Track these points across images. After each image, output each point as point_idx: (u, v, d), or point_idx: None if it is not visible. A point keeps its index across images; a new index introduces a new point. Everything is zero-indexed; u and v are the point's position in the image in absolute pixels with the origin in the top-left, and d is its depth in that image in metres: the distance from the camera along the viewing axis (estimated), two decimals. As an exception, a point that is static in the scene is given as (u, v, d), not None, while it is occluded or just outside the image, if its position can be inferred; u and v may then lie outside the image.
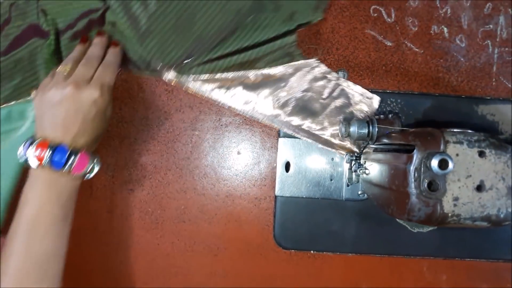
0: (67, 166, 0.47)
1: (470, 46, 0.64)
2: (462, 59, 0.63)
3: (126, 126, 0.61)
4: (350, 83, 0.60)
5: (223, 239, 0.61)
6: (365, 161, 0.55)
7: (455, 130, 0.43)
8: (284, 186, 0.61)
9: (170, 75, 0.59)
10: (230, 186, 0.62)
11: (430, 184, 0.41)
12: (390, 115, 0.52)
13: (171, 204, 0.61)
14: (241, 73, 0.59)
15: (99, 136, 0.52)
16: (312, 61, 0.60)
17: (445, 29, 0.63)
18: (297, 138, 0.61)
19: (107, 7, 0.58)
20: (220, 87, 0.59)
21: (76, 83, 0.49)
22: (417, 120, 0.62)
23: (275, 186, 0.61)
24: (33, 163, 0.46)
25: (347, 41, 0.63)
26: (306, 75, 0.60)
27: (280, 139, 0.61)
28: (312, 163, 0.61)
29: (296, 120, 0.60)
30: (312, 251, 0.61)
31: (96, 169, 0.50)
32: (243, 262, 0.61)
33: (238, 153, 0.62)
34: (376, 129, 0.51)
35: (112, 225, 0.60)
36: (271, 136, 0.62)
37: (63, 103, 0.48)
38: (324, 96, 0.60)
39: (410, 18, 0.63)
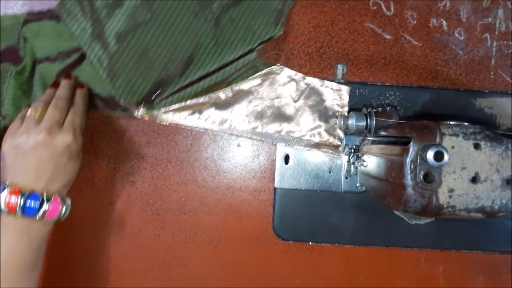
0: (40, 213, 0.46)
1: (468, 39, 0.64)
2: (460, 52, 0.64)
3: (127, 118, 0.61)
4: (317, 80, 0.61)
5: (223, 231, 0.62)
6: (362, 154, 0.56)
7: (451, 122, 0.43)
8: (283, 178, 0.62)
9: (141, 112, 0.58)
10: (230, 178, 0.62)
11: (426, 176, 0.42)
12: (387, 108, 0.53)
13: (172, 196, 0.61)
14: (210, 95, 0.60)
15: (72, 179, 0.52)
16: (276, 68, 0.61)
17: (444, 22, 0.64)
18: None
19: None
20: (192, 113, 0.60)
21: (48, 129, 0.48)
22: (416, 112, 0.62)
23: (275, 178, 0.62)
24: (4, 210, 0.45)
25: (347, 34, 0.63)
26: (273, 83, 0.61)
27: (280, 132, 0.62)
28: (311, 155, 0.62)
29: (274, 128, 0.60)
30: (310, 243, 0.62)
31: (67, 211, 0.50)
32: (243, 253, 0.62)
33: (238, 145, 0.62)
34: (374, 122, 0.51)
35: (113, 216, 0.61)
36: (271, 128, 0.63)
37: (36, 150, 0.47)
38: (295, 99, 0.61)
39: (409, 11, 0.63)
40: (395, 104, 0.62)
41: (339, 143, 0.60)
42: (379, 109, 0.53)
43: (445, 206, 0.42)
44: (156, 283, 0.61)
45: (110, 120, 0.61)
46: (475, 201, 0.42)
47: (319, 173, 0.62)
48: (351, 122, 0.53)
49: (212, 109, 0.60)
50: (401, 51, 0.63)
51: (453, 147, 0.42)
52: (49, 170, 0.48)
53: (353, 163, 0.57)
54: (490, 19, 0.64)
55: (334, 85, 0.61)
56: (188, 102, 0.59)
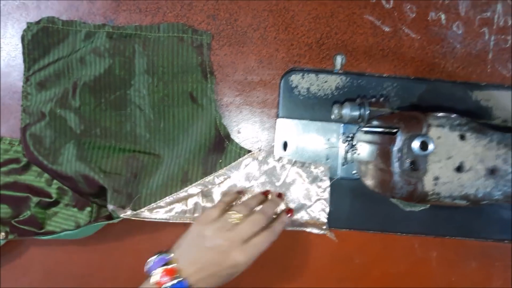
0: None
1: (466, 33, 0.65)
2: (458, 46, 0.65)
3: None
4: (298, 164, 0.63)
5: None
6: (356, 142, 0.58)
7: (438, 114, 0.45)
8: (282, 165, 0.64)
9: (128, 214, 0.59)
10: (231, 164, 0.65)
11: (412, 164, 0.44)
12: (381, 99, 0.54)
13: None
14: (198, 186, 0.62)
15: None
16: (257, 153, 0.63)
17: (443, 16, 0.65)
18: (295, 119, 0.64)
19: None
20: (179, 207, 0.61)
21: (232, 242, 0.50)
22: (413, 104, 0.64)
23: (274, 164, 0.64)
24: (154, 279, 0.47)
25: (346, 26, 0.65)
26: (259, 166, 0.63)
27: (279, 120, 0.64)
28: (309, 143, 0.64)
29: None
30: (307, 227, 0.64)
31: None
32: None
33: (238, 132, 0.65)
34: (367, 112, 0.53)
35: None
36: (270, 116, 0.65)
37: (211, 252, 0.49)
38: (278, 182, 0.63)
39: (408, 5, 0.65)
40: (393, 95, 0.64)
41: (325, 220, 0.62)
42: (373, 99, 0.55)
43: (430, 193, 0.44)
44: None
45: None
46: (460, 189, 0.44)
47: (316, 160, 0.64)
48: (345, 111, 0.55)
49: (198, 198, 0.62)
50: (399, 43, 0.65)
51: (439, 137, 0.44)
52: (208, 271, 0.49)
53: (348, 151, 0.59)
54: (488, 14, 0.65)
55: (313, 166, 0.63)
56: (173, 196, 0.61)
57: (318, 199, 0.62)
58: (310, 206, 0.63)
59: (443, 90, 0.64)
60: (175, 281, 0.47)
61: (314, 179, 0.63)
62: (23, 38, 0.61)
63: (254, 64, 0.64)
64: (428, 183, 0.44)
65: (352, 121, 0.55)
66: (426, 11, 0.65)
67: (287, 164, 0.63)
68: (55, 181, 0.61)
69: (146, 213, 0.60)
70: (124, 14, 0.63)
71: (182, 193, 0.61)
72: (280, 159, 0.63)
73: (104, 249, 0.64)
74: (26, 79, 0.61)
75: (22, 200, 0.61)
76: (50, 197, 0.61)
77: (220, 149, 0.63)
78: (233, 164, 0.62)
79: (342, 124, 0.63)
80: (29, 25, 0.61)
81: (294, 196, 0.63)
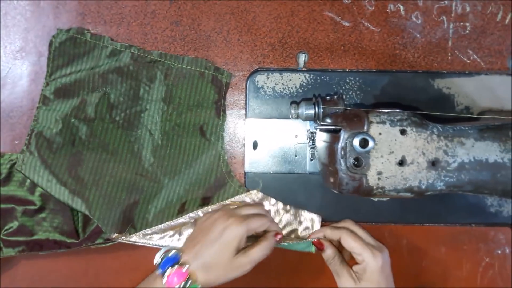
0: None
1: (426, 22, 0.66)
2: (418, 36, 0.66)
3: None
4: (292, 210, 0.65)
5: (198, 213, 0.67)
6: (315, 139, 0.60)
7: (380, 110, 0.47)
8: (253, 163, 0.66)
9: (122, 239, 0.62)
10: (202, 165, 0.67)
11: (355, 161, 0.46)
12: (335, 96, 0.56)
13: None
14: (190, 214, 0.63)
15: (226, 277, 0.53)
16: (254, 193, 0.65)
17: (401, 7, 0.66)
18: (263, 118, 0.66)
19: None
20: (173, 234, 0.62)
21: (231, 215, 0.55)
22: (376, 96, 0.65)
23: (244, 163, 0.66)
24: (165, 280, 0.50)
25: (307, 24, 0.66)
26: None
27: (248, 120, 0.66)
28: (278, 141, 0.66)
29: None
30: (280, 222, 0.66)
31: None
32: (217, 233, 0.67)
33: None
34: (321, 110, 0.55)
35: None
36: (239, 117, 0.67)
37: (216, 245, 0.52)
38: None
39: (366, -1, 0.66)
40: (355, 89, 0.65)
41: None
42: (327, 97, 0.56)
43: (374, 187, 0.46)
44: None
45: (88, 116, 0.66)
46: (403, 182, 0.46)
47: (286, 156, 0.66)
48: (300, 111, 0.56)
49: (191, 227, 0.62)
50: (359, 37, 0.66)
51: (380, 133, 0.46)
52: (217, 272, 0.52)
53: (311, 148, 0.61)
54: (446, 2, 0.66)
55: (305, 214, 0.64)
56: (167, 223, 0.63)
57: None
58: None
59: (405, 80, 0.66)
60: (187, 285, 0.49)
61: (305, 229, 0.64)
62: (50, 44, 0.63)
63: (220, 67, 0.66)
64: (372, 178, 0.45)
65: (310, 119, 0.57)
66: (385, 4, 0.66)
67: (282, 210, 0.64)
68: (37, 188, 0.63)
69: (139, 238, 0.62)
70: (89, 27, 0.65)
71: (176, 221, 0.63)
72: (275, 203, 0.64)
73: (87, 255, 0.67)
74: (46, 84, 0.63)
75: (7, 211, 0.63)
76: (34, 204, 0.63)
77: (221, 185, 0.65)
78: (228, 200, 0.64)
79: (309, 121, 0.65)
80: (59, 32, 0.64)
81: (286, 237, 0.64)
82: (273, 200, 0.64)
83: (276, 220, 0.64)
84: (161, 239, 0.62)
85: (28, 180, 0.62)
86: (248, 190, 0.65)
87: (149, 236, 0.62)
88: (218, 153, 0.65)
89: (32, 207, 0.63)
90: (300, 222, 0.64)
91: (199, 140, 0.65)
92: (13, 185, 0.64)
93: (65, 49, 0.63)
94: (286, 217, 0.64)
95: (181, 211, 0.63)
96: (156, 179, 0.64)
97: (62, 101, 0.63)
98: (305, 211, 0.64)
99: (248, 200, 0.64)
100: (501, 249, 0.66)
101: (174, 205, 0.64)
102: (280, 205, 0.64)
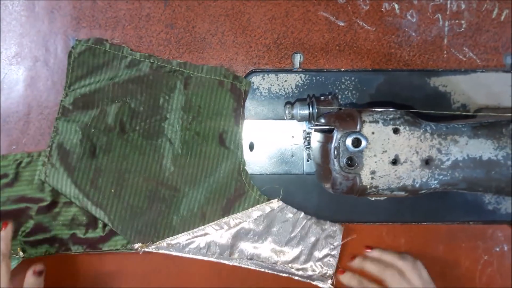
0: None
1: (421, 20, 0.66)
2: (413, 34, 0.66)
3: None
4: (314, 220, 0.65)
5: (196, 215, 0.67)
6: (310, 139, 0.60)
7: (373, 110, 0.47)
8: (250, 164, 0.66)
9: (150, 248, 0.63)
10: (199, 167, 0.67)
11: (349, 160, 0.46)
12: (329, 96, 0.56)
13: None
14: (213, 224, 0.64)
15: None
16: (276, 204, 0.65)
17: (396, 6, 0.66)
18: (259, 119, 0.66)
19: None
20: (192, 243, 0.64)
21: None
22: (371, 95, 0.65)
23: (241, 164, 0.66)
24: None
25: (301, 24, 0.66)
26: (273, 219, 0.65)
27: (244, 121, 0.66)
28: (274, 142, 0.66)
29: (270, 258, 0.65)
30: (277, 222, 0.66)
31: None
32: (215, 235, 0.67)
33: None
34: (316, 110, 0.55)
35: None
36: (234, 118, 0.67)
37: None
38: (292, 235, 0.65)
39: (361, -2, 0.66)
40: (351, 88, 0.65)
41: (331, 272, 0.64)
42: (322, 97, 0.56)
43: (368, 186, 0.46)
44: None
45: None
46: (397, 181, 0.46)
47: (282, 158, 0.66)
48: (295, 111, 0.56)
49: (211, 237, 0.64)
50: (355, 37, 0.66)
51: (373, 133, 0.45)
52: None
53: (306, 148, 0.61)
54: (441, 0, 0.66)
55: (328, 224, 0.65)
56: (190, 232, 0.64)
57: (327, 255, 0.64)
58: (319, 260, 0.65)
59: (400, 79, 0.66)
60: None
61: (327, 236, 0.64)
62: (69, 55, 0.64)
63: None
64: (365, 178, 0.45)
65: (304, 120, 0.57)
66: (380, 2, 0.66)
67: (302, 218, 0.65)
68: (45, 184, 0.63)
69: (164, 247, 0.64)
70: (84, 31, 0.65)
71: (199, 231, 0.64)
72: (296, 213, 0.65)
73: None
74: (65, 95, 0.63)
75: (21, 212, 0.63)
76: (46, 201, 0.63)
77: (241, 193, 0.65)
78: (250, 209, 0.64)
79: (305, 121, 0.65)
80: (78, 42, 0.64)
81: (307, 244, 0.65)
82: (294, 210, 0.64)
83: (298, 226, 0.64)
84: (184, 248, 0.64)
85: (36, 178, 0.63)
86: (268, 199, 0.65)
87: (172, 245, 0.63)
88: (238, 160, 0.65)
89: (44, 204, 0.63)
90: (323, 230, 0.64)
91: (218, 149, 0.65)
92: (22, 184, 0.64)
93: (84, 60, 0.64)
94: (308, 224, 0.64)
95: (203, 219, 0.64)
96: (177, 188, 0.64)
97: (81, 112, 0.63)
98: (328, 222, 0.65)
99: (268, 209, 0.64)
100: (500, 247, 0.66)
101: (196, 213, 0.64)
102: (301, 214, 0.64)
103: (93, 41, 0.64)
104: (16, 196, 0.63)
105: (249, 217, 0.64)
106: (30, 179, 0.63)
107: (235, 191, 0.64)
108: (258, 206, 0.64)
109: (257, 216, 0.64)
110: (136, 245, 0.62)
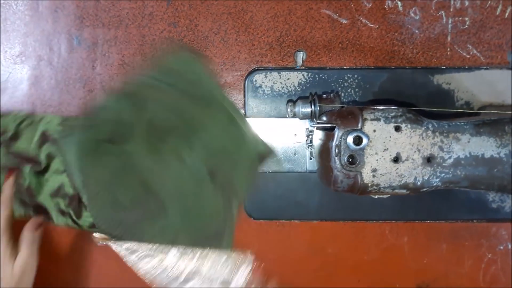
0: None
1: (424, 18, 0.66)
2: (416, 31, 0.66)
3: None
4: None
5: (199, 213, 0.67)
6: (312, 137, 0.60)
7: (375, 107, 0.47)
8: (252, 162, 0.66)
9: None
10: (202, 165, 0.67)
11: (350, 158, 0.45)
12: (331, 94, 0.56)
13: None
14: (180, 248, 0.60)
15: None
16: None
17: (399, 3, 0.66)
18: (262, 117, 0.66)
19: None
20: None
21: None
22: (374, 93, 0.65)
23: (244, 162, 0.66)
24: None
25: (304, 22, 0.66)
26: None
27: (246, 119, 0.66)
28: (277, 140, 0.66)
29: None
30: (280, 220, 0.67)
31: None
32: (218, 233, 0.67)
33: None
34: (318, 108, 0.55)
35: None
36: (237, 116, 0.67)
37: None
38: None
39: (363, -5, 0.66)
40: (354, 86, 0.65)
41: None
42: (324, 95, 0.56)
43: (369, 184, 0.46)
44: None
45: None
46: (398, 179, 0.46)
47: (285, 156, 0.66)
48: (297, 109, 0.56)
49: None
50: (357, 34, 0.66)
51: (374, 130, 0.45)
52: None
53: (308, 146, 0.61)
54: (445, -3, 0.66)
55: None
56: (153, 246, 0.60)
57: None
58: None
59: (404, 77, 0.65)
60: None
61: None
62: None
63: (217, 68, 0.66)
64: (366, 176, 0.45)
65: (306, 118, 0.57)
66: (383, 0, 0.66)
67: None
68: (43, 147, 0.62)
69: (122, 249, 0.59)
70: (88, 30, 0.66)
71: (163, 251, 0.60)
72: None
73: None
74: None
75: (17, 168, 0.62)
76: (39, 162, 0.62)
77: (216, 240, 0.61)
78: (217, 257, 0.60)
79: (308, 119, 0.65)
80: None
81: None
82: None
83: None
84: (141, 259, 0.60)
85: (37, 137, 0.62)
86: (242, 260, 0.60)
87: (132, 250, 0.59)
88: (225, 207, 0.60)
89: (38, 167, 0.62)
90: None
91: (211, 188, 0.60)
92: (22, 142, 0.62)
93: None
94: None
95: (171, 243, 0.60)
96: (165, 206, 0.61)
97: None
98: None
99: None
100: (503, 245, 0.66)
101: (168, 235, 0.60)
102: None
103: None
104: (15, 152, 0.62)
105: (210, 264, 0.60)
106: (30, 137, 0.62)
107: (213, 236, 0.61)
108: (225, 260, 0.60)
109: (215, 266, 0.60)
110: (97, 235, 0.60)
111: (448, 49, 0.66)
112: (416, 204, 0.65)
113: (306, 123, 0.65)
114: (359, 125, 0.45)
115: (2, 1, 0.65)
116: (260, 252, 0.66)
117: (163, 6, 0.66)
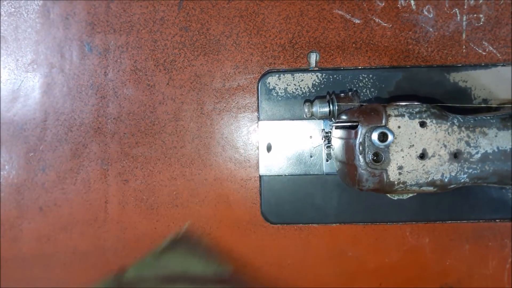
0: None
1: (438, 16, 0.65)
2: (431, 30, 0.65)
3: (114, 122, 0.66)
4: None
5: (215, 219, 0.66)
6: (331, 138, 0.58)
7: (398, 103, 0.46)
8: (268, 166, 0.65)
9: None
10: (217, 170, 0.66)
11: (374, 156, 0.44)
12: (349, 93, 0.55)
13: (163, 191, 0.66)
14: None
15: None
16: None
17: (412, 2, 0.65)
18: (276, 120, 0.65)
19: None
20: None
21: None
22: (390, 92, 0.64)
23: (259, 166, 0.65)
24: None
25: (317, 23, 0.66)
26: None
27: (260, 122, 0.65)
28: (292, 142, 0.65)
29: None
30: (298, 224, 0.65)
31: None
32: (235, 238, 0.66)
33: (222, 138, 0.66)
34: (336, 107, 0.54)
35: (111, 214, 0.66)
36: (252, 120, 0.66)
37: None
38: None
39: (376, -5, 0.65)
40: (369, 86, 0.64)
41: None
42: (341, 94, 0.55)
43: (396, 182, 0.44)
44: (156, 272, 0.66)
45: (100, 125, 0.66)
46: (425, 176, 0.44)
47: (301, 158, 0.65)
48: (315, 109, 0.55)
49: None
50: (371, 34, 0.65)
51: (399, 127, 0.44)
52: None
53: (326, 147, 0.60)
54: (458, -6, 0.65)
55: None
56: None
57: None
58: None
59: (419, 75, 0.64)
60: None
61: None
62: None
63: (230, 71, 0.66)
64: (392, 173, 0.44)
65: (324, 117, 0.56)
66: (395, -1, 0.65)
67: None
68: None
69: None
70: (99, 36, 0.65)
71: None
72: None
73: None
74: None
75: None
76: None
77: None
78: None
79: (323, 121, 0.64)
80: None
81: None
82: None
83: None
84: None
85: None
86: None
87: None
88: None
89: None
90: None
91: None
92: None
93: None
94: None
95: None
96: None
97: None
98: None
99: None
100: (528, 244, 0.64)
101: None
102: None
103: None
104: None
105: None
106: None
107: None
108: None
109: None
110: None
111: (464, 47, 0.65)
112: (437, 204, 0.64)
113: (321, 125, 0.64)
114: (383, 121, 0.44)
115: (13, 9, 0.65)
116: (279, 256, 0.65)
117: (174, 11, 0.65)
